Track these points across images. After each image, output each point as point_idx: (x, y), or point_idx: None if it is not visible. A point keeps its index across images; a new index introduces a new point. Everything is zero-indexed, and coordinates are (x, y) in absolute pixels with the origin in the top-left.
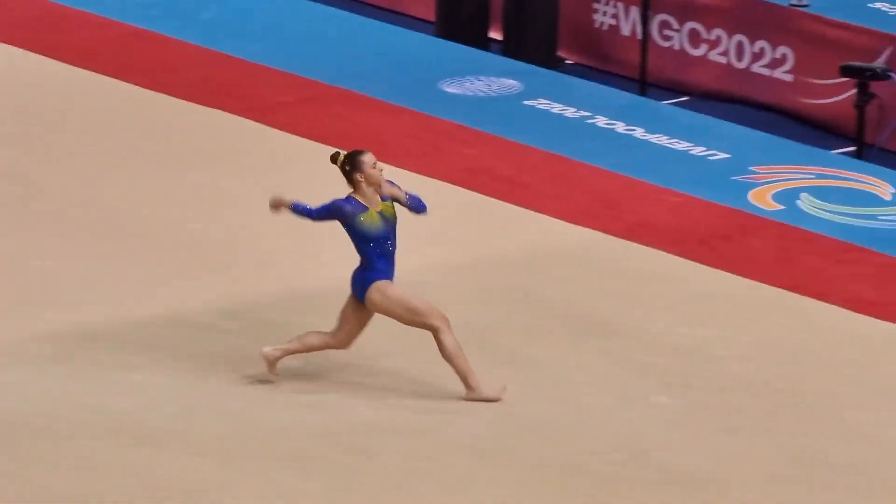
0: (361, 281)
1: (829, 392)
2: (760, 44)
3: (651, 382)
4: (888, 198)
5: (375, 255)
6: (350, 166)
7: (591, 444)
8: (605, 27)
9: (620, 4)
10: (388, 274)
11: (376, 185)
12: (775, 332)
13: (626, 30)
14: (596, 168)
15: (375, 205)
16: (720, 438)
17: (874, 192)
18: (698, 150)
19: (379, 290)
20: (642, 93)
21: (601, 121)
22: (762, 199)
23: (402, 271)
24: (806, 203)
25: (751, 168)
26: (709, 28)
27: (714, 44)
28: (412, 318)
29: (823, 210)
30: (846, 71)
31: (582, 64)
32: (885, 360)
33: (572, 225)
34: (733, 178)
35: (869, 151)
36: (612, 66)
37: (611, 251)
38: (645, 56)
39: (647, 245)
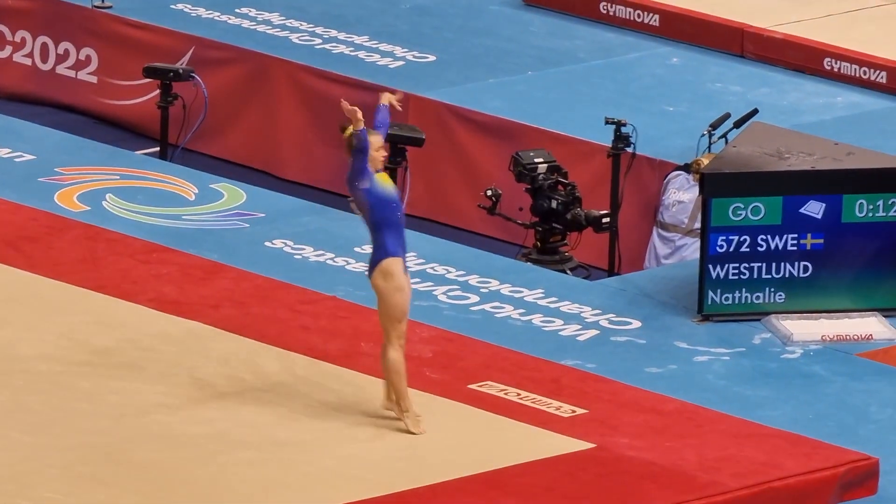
0: (370, 264)
1: (131, 391)
2: (65, 45)
3: None
4: (192, 198)
5: (390, 224)
6: (357, 143)
7: None
8: None
9: None
10: (397, 250)
11: (375, 168)
12: (82, 332)
13: None
14: None
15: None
16: (26, 438)
17: (178, 192)
18: (4, 152)
19: (382, 272)
20: None
21: None
22: (68, 200)
23: None
24: (111, 204)
25: (56, 170)
26: (13, 30)
27: (19, 45)
28: (388, 317)
29: (129, 211)
30: (149, 72)
31: None
32: (186, 358)
33: None
34: (39, 179)
35: (173, 152)
36: None
37: None
38: None
39: None
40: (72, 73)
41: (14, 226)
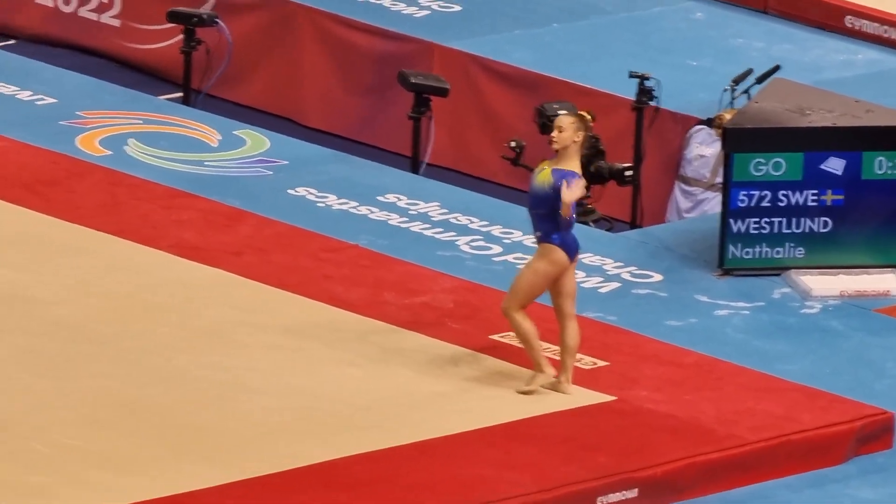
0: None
1: (151, 336)
2: None
3: None
4: (215, 144)
5: None
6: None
7: None
8: None
9: None
10: None
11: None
12: (101, 277)
13: None
14: None
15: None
16: (42, 383)
17: (201, 138)
18: (25, 95)
19: None
20: None
21: None
22: (90, 144)
23: None
24: (133, 148)
25: (78, 113)
26: None
27: None
28: None
29: (151, 156)
30: (173, 16)
31: None
32: (206, 305)
33: None
34: (61, 122)
35: (196, 98)
36: None
37: None
38: None
39: None
40: (94, 16)
41: (34, 169)
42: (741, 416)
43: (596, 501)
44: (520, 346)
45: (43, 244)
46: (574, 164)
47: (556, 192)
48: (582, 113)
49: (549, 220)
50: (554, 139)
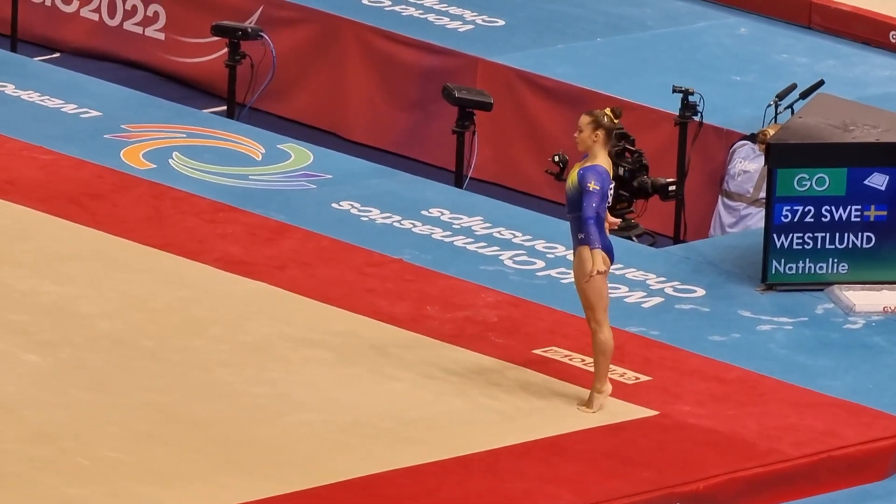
0: None
1: (194, 350)
2: (132, 1)
3: (19, 341)
4: (259, 158)
5: None
6: None
7: None
8: None
9: None
10: None
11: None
12: (145, 290)
13: None
14: None
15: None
16: (86, 396)
17: (245, 152)
18: (70, 108)
19: None
20: (13, 49)
21: None
22: (134, 157)
23: None
24: (178, 162)
25: (123, 126)
26: None
27: (86, 0)
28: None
29: (195, 169)
30: (217, 30)
31: None
32: (250, 318)
33: None
34: (105, 136)
35: (240, 111)
36: None
37: None
38: (16, 11)
39: (15, 202)
40: (139, 30)
41: (79, 182)
42: (784, 431)
43: None
44: (562, 360)
45: (88, 258)
46: (600, 162)
47: (582, 191)
48: (605, 111)
49: None
50: (576, 140)
